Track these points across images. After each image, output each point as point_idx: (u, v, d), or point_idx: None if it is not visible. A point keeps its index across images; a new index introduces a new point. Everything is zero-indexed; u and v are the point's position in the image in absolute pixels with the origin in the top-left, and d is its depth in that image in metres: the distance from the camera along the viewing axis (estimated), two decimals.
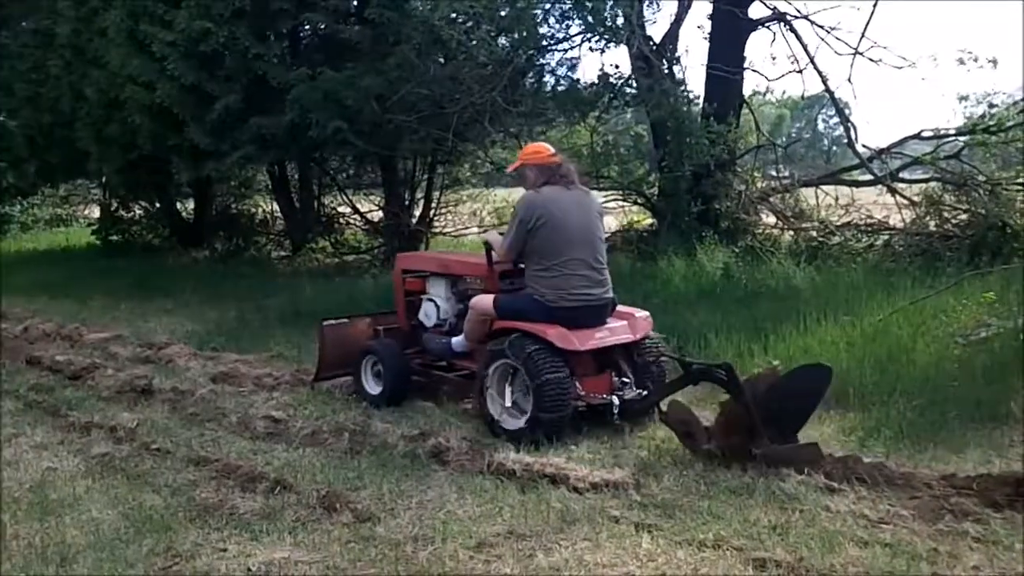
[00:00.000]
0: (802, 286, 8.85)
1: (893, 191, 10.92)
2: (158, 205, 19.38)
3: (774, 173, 13.24)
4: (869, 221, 11.37)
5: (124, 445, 5.57)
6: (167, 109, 12.05)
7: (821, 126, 66.08)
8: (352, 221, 16.97)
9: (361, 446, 5.35)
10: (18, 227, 26.25)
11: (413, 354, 6.80)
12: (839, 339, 6.80)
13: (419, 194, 15.66)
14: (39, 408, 6.57)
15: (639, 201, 12.82)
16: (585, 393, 5.53)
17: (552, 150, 6.14)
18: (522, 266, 5.95)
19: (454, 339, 6.34)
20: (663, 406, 5.28)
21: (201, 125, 11.85)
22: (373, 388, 6.58)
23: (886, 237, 11.01)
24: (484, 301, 5.93)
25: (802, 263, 9.69)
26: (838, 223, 11.44)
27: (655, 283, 9.49)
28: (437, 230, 16.28)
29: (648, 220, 12.90)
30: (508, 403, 5.65)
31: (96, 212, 24.63)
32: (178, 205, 19.70)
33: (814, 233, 11.33)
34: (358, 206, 16.62)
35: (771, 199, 12.19)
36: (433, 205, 15.82)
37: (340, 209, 17.24)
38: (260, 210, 18.96)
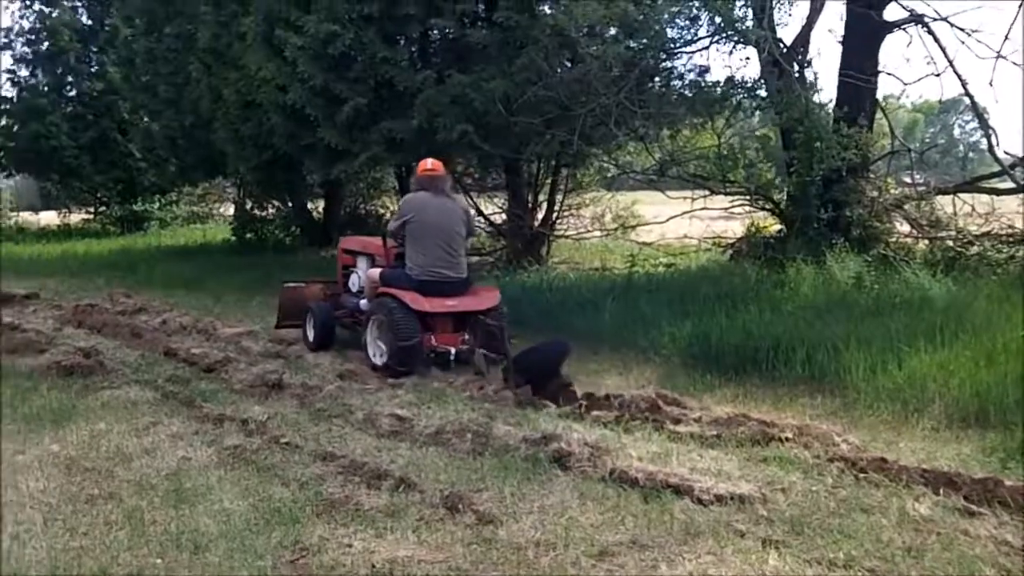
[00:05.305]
0: (938, 298, 8.52)
1: None
2: (290, 204, 19.90)
3: (908, 180, 12.81)
4: (1010, 231, 10.89)
5: (255, 438, 5.71)
6: (300, 110, 12.37)
7: (957, 132, 63.72)
8: (476, 223, 17.11)
9: (483, 447, 5.36)
10: (158, 223, 27.41)
11: (345, 313, 8.87)
12: (978, 354, 6.52)
13: (542, 197, 15.68)
14: (175, 399, 6.78)
15: (766, 206, 12.57)
16: (436, 344, 7.55)
17: (431, 165, 8.11)
18: None
19: (361, 301, 8.50)
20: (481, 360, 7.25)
21: (332, 125, 12.13)
22: (311, 336, 8.67)
23: None
24: (374, 272, 8.17)
25: (938, 274, 9.36)
26: (977, 233, 10.99)
27: (783, 291, 9.29)
28: (559, 233, 16.26)
29: (776, 226, 12.64)
30: (379, 345, 7.64)
31: (231, 210, 25.50)
32: (309, 205, 20.18)
33: (951, 243, 10.93)
34: (482, 208, 16.76)
35: (905, 207, 11.78)
36: (556, 208, 15.82)
37: None
38: (388, 211, 19.30)
